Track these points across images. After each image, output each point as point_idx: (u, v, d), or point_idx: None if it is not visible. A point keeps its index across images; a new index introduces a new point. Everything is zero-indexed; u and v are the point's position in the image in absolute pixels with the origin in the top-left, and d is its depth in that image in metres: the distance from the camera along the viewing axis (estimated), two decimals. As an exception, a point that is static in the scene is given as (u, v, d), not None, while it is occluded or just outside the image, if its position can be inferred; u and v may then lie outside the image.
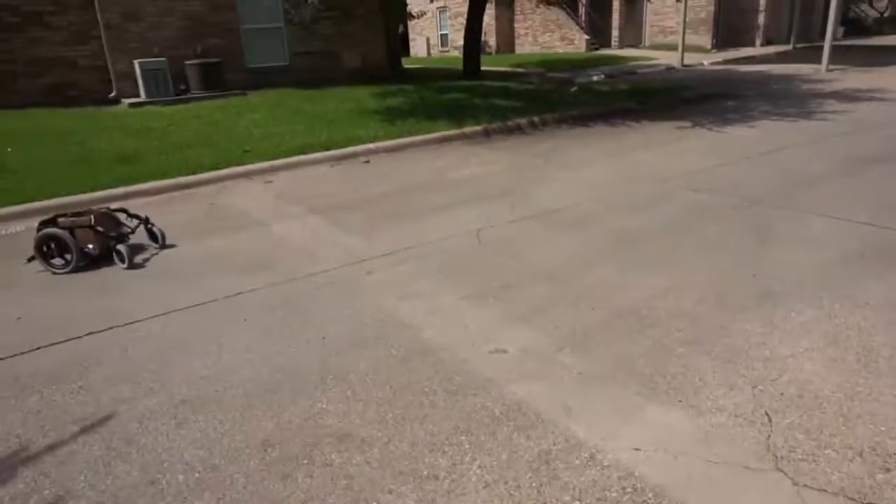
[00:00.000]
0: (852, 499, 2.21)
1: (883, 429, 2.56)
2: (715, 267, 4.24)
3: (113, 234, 4.99)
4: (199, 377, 3.24)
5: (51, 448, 2.73)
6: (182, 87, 13.08)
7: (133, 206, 6.64)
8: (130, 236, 5.19)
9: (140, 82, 12.61)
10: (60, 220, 4.91)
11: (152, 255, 5.11)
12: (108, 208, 5.42)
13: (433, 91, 13.27)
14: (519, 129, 9.80)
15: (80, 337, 3.73)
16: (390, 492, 2.37)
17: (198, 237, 5.49)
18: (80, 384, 3.23)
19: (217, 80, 13.26)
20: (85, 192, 6.75)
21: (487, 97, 12.18)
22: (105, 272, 4.78)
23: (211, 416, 2.90)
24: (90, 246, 4.86)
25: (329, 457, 2.59)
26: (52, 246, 4.83)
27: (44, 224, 4.90)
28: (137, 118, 10.98)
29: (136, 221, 5.32)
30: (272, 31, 14.93)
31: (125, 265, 4.80)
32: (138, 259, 4.99)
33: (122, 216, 5.32)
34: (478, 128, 9.53)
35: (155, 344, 3.62)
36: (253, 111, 11.25)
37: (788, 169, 6.71)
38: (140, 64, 12.51)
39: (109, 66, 13.29)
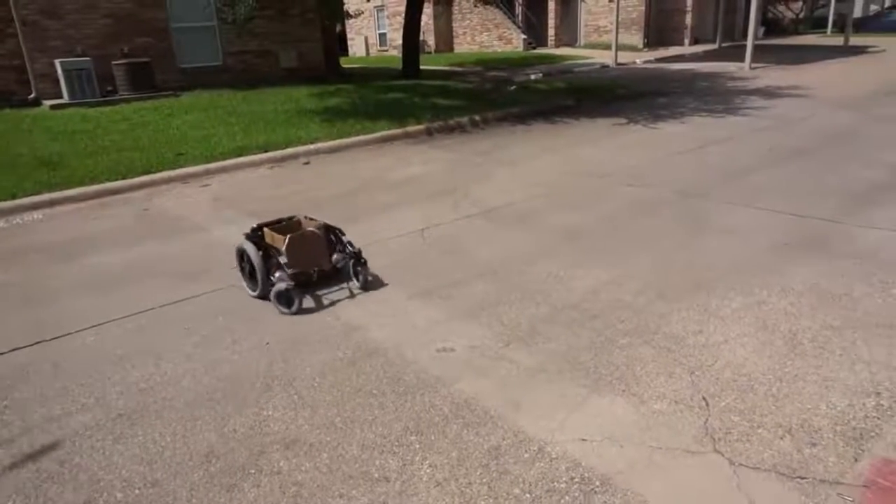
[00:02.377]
0: (783, 474, 2.33)
1: (809, 406, 2.71)
2: (652, 259, 4.39)
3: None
4: (137, 390, 3.11)
5: (-26, 473, 2.56)
6: (109, 89, 12.51)
7: (60, 213, 6.33)
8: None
9: (63, 83, 11.99)
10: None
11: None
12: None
13: (373, 90, 13.18)
14: (460, 128, 9.86)
15: (2, 353, 3.52)
16: (341, 496, 2.35)
17: (131, 244, 5.27)
18: (5, 403, 3.04)
19: (147, 81, 12.75)
20: (5, 199, 6.37)
21: (428, 96, 12.19)
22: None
23: (150, 430, 2.79)
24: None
25: (277, 464, 2.53)
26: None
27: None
28: (61, 121, 10.43)
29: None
30: (205, 29, 14.49)
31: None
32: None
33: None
34: (419, 127, 9.53)
35: (89, 357, 3.45)
36: (186, 113, 10.88)
37: (717, 163, 7.02)
38: (62, 63, 11.89)
39: (27, 65, 12.57)
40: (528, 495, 2.30)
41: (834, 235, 4.64)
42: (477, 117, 10.20)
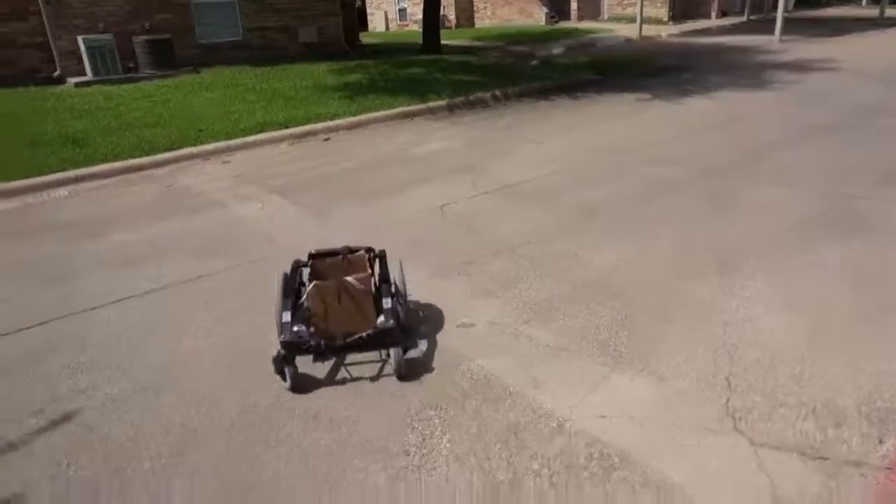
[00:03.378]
0: (805, 454, 2.30)
1: (834, 387, 2.67)
2: (675, 236, 4.33)
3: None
4: (161, 363, 3.16)
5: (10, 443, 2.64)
6: (130, 66, 12.58)
7: (85, 189, 6.43)
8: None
9: (86, 60, 12.08)
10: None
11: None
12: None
13: (393, 66, 13.07)
14: (481, 104, 9.75)
15: (30, 327, 3.60)
16: (361, 469, 2.38)
17: (154, 220, 5.33)
18: (34, 375, 3.12)
19: (167, 58, 12.79)
20: (32, 176, 6.47)
21: (448, 72, 12.06)
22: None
23: (175, 402, 2.84)
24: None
25: (298, 438, 2.57)
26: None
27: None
28: (85, 98, 10.54)
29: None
30: (225, 5, 14.44)
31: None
32: None
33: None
34: (440, 103, 9.45)
35: (114, 331, 3.52)
36: (207, 89, 10.91)
37: (745, 139, 6.86)
38: (84, 41, 11.96)
39: (51, 43, 12.67)
40: (546, 470, 2.30)
41: (865, 212, 4.52)
42: (498, 93, 10.08)
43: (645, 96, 9.69)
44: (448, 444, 2.47)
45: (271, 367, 2.87)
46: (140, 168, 6.97)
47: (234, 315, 3.62)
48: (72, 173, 6.62)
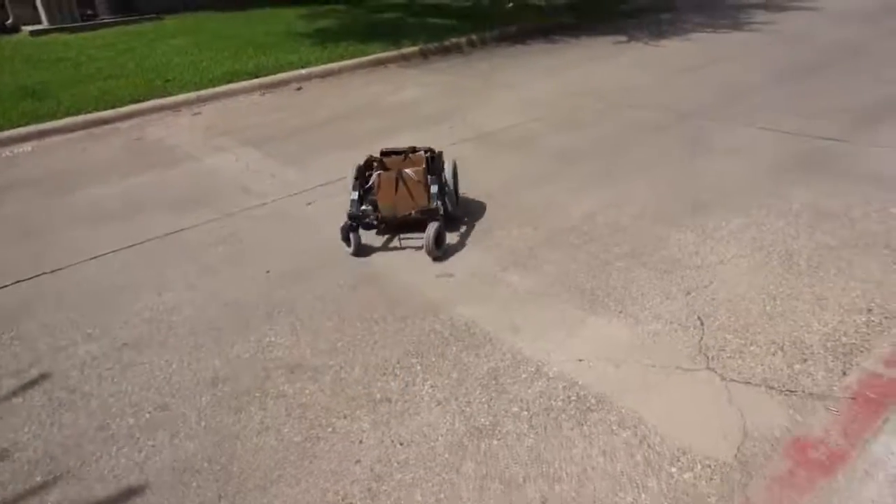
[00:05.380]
0: (772, 387, 2.40)
1: (802, 324, 2.76)
2: (652, 181, 4.35)
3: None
4: (140, 319, 3.15)
5: (-12, 401, 2.64)
6: (89, 13, 12.01)
7: (50, 144, 6.22)
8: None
9: (41, 8, 11.48)
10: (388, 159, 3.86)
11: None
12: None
13: (365, 10, 12.66)
14: (457, 49, 9.53)
15: (5, 286, 3.55)
16: (345, 417, 2.43)
17: (125, 174, 5.20)
18: (12, 335, 3.10)
19: (128, 4, 12.22)
20: (-9, 131, 6.24)
21: (422, 16, 11.71)
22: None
23: (157, 358, 2.85)
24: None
25: (281, 388, 2.60)
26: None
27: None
28: (42, 48, 10.07)
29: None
30: (185, -54, 13.70)
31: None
32: None
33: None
34: (414, 49, 9.21)
35: (91, 288, 3.48)
36: (171, 37, 10.48)
37: (721, 81, 6.83)
38: (38, -14, 11.34)
39: (3, -11, 12.00)
40: (525, 412, 2.38)
41: (838, 154, 4.59)
42: (474, 37, 9.84)
43: (622, 39, 9.55)
44: (430, 390, 2.53)
45: (252, 319, 2.88)
46: (106, 121, 6.73)
47: (213, 268, 3.59)
48: (34, 128, 6.38)
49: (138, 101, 7.13)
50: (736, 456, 2.12)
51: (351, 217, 3.63)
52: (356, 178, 3.77)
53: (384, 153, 3.96)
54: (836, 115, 5.39)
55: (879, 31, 8.88)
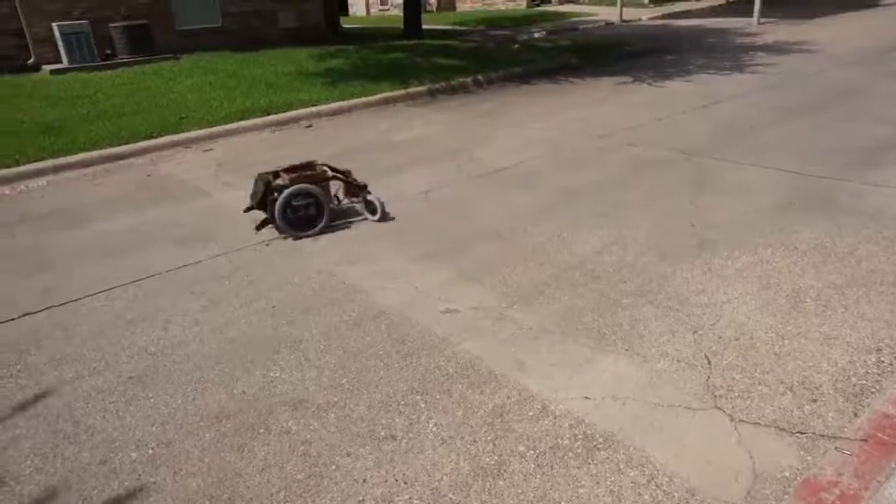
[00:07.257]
0: (783, 429, 2.37)
1: (811, 364, 2.74)
2: (656, 219, 4.38)
3: (361, 183, 4.81)
4: (147, 353, 3.16)
5: (-8, 434, 2.63)
6: (108, 52, 12.32)
7: (64, 179, 6.33)
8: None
9: (61, 47, 11.81)
10: (284, 175, 4.52)
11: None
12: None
13: (375, 51, 12.95)
14: (463, 89, 9.71)
15: (14, 318, 3.57)
16: (349, 454, 2.40)
17: (136, 209, 5.28)
18: (19, 367, 3.10)
19: (145, 44, 12.54)
20: (10, 166, 6.36)
21: (430, 57, 11.98)
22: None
23: (162, 392, 2.85)
24: (341, 200, 4.83)
25: (286, 424, 2.59)
26: (303, 205, 4.42)
27: (267, 182, 4.46)
28: (61, 86, 10.33)
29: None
30: (202, -11, 14.15)
31: (376, 217, 4.66)
32: None
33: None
34: (422, 88, 9.40)
35: (98, 321, 3.50)
36: (186, 76, 10.74)
37: (723, 121, 6.92)
38: (59, 27, 11.68)
39: (25, 29, 12.37)
40: (532, 451, 2.35)
41: (840, 194, 4.61)
42: (480, 77, 10.04)
43: (626, 80, 9.71)
44: (434, 428, 2.51)
45: (258, 356, 2.87)
46: (120, 157, 6.87)
47: (220, 303, 3.61)
48: (50, 163, 6.51)
49: (152, 137, 7.28)
50: (746, 498, 2.08)
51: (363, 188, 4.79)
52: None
53: (276, 173, 4.60)
54: (837, 155, 5.43)
55: (877, 73, 9.00)
